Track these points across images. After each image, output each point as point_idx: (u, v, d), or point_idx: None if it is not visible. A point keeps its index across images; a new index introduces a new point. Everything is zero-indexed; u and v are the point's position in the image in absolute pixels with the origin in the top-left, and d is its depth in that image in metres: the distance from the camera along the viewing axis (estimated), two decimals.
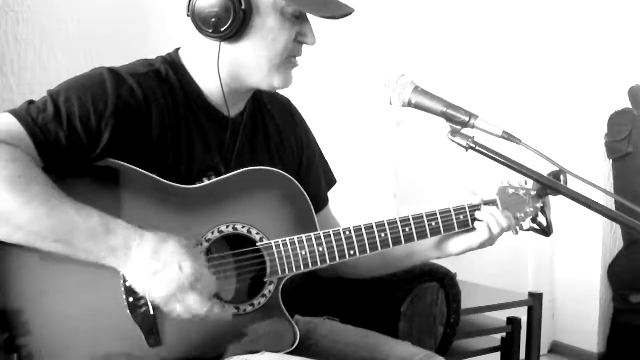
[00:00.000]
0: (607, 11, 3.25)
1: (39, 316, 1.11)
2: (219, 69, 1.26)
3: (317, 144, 1.54)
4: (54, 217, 1.06)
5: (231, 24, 1.20)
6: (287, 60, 1.27)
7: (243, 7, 1.20)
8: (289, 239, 1.26)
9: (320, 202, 1.50)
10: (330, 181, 1.56)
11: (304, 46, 1.29)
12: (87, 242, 1.08)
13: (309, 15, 1.27)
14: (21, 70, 1.99)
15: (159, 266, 1.09)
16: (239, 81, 1.29)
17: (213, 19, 1.20)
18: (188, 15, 1.23)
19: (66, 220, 1.07)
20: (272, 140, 1.42)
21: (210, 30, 1.21)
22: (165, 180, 1.21)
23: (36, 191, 1.06)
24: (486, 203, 1.40)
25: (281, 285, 1.28)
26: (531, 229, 1.43)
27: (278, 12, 1.23)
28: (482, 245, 1.38)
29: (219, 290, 1.24)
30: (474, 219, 1.38)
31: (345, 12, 1.25)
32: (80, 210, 1.08)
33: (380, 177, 2.83)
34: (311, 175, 1.48)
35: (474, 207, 1.38)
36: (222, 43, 1.23)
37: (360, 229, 1.30)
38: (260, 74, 1.26)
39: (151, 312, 1.15)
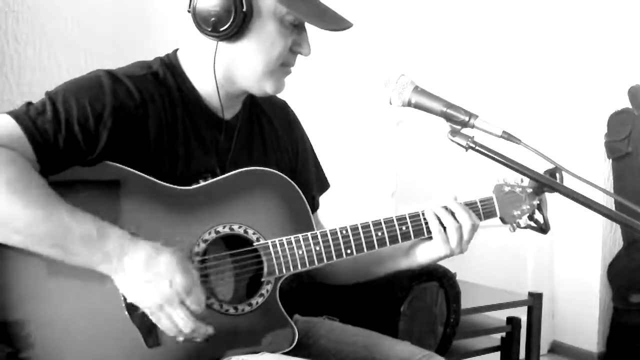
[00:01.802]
0: (607, 11, 3.25)
1: (36, 321, 1.11)
2: (215, 69, 1.26)
3: (312, 148, 1.54)
4: (51, 221, 1.06)
5: (231, 24, 1.20)
6: (281, 67, 1.28)
7: (244, 9, 1.20)
8: (286, 239, 1.26)
9: (310, 208, 1.49)
10: (323, 186, 1.55)
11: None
12: (82, 247, 1.08)
13: (307, 27, 1.27)
14: (21, 70, 1.99)
15: (150, 277, 1.09)
16: (232, 83, 1.29)
17: (213, 18, 1.21)
18: (189, 12, 1.24)
19: (62, 225, 1.07)
20: (269, 142, 1.42)
21: (209, 29, 1.22)
22: (161, 182, 1.21)
23: (34, 195, 1.07)
24: (482, 201, 1.40)
25: (279, 285, 1.28)
26: (528, 226, 1.43)
27: (278, 19, 1.23)
28: (448, 251, 1.34)
29: (216, 291, 1.25)
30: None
31: (344, 26, 1.25)
32: (76, 215, 1.08)
33: (379, 176, 2.83)
34: (303, 179, 1.48)
35: (471, 204, 1.38)
36: (219, 43, 1.24)
37: (357, 227, 1.31)
38: (253, 77, 1.27)
39: None
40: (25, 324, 1.10)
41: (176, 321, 1.12)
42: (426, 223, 1.34)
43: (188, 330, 1.13)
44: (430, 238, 1.34)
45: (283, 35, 1.24)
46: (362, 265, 1.45)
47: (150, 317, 1.13)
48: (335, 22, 1.25)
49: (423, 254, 1.38)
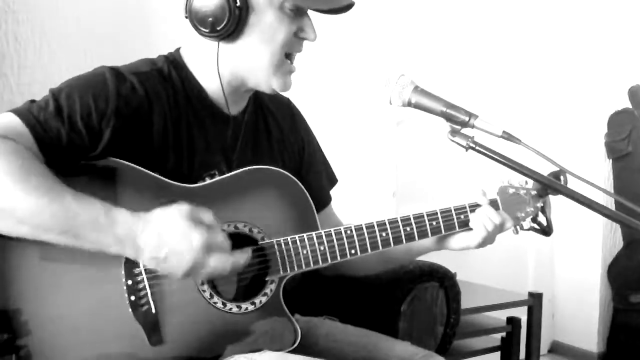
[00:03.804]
0: (607, 11, 3.25)
1: (39, 316, 1.11)
2: (219, 69, 1.26)
3: (318, 143, 1.55)
4: (55, 208, 1.05)
5: (227, 22, 1.20)
6: (285, 63, 1.27)
7: (239, 5, 1.20)
8: (291, 238, 1.26)
9: (323, 201, 1.50)
10: (332, 180, 1.56)
11: (305, 43, 1.30)
12: (92, 232, 1.07)
13: (310, 12, 1.27)
14: (21, 70, 1.99)
15: (167, 251, 1.08)
16: (240, 80, 1.30)
17: (210, 19, 1.21)
18: (186, 17, 1.24)
19: (68, 211, 1.06)
20: (274, 138, 1.43)
21: (207, 30, 1.22)
22: (166, 179, 1.21)
23: (36, 183, 1.06)
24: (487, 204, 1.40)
25: (282, 285, 1.28)
26: (531, 228, 1.43)
27: (276, 8, 1.23)
28: (481, 244, 1.38)
29: (219, 290, 1.25)
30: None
31: (344, 4, 1.25)
32: (82, 200, 1.07)
33: (380, 176, 2.83)
34: (312, 174, 1.49)
35: (475, 207, 1.38)
36: (220, 42, 1.24)
37: (362, 228, 1.31)
38: (260, 72, 1.27)
39: (153, 310, 1.15)
40: (24, 313, 1.09)
41: (214, 269, 1.11)
42: (430, 224, 1.35)
43: (228, 270, 1.12)
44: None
45: (285, 24, 1.24)
46: (391, 255, 1.44)
47: (194, 279, 1.14)
48: (334, 2, 1.24)
49: (459, 242, 1.39)
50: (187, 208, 1.11)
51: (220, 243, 1.12)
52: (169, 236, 1.09)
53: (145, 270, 1.15)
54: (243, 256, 1.15)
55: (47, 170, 1.09)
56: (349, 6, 1.26)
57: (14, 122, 1.11)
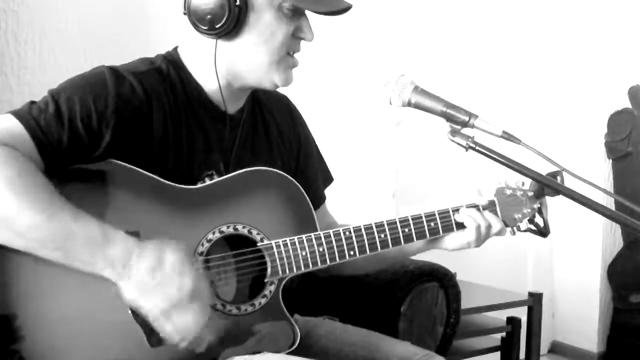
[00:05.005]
0: (607, 11, 3.25)
1: (39, 318, 1.10)
2: (216, 67, 1.26)
3: (314, 141, 1.54)
4: (53, 224, 1.05)
5: (226, 20, 1.21)
6: (286, 57, 1.27)
7: (238, 3, 1.20)
8: (290, 240, 1.26)
9: (317, 200, 1.50)
10: (327, 179, 1.56)
11: (304, 43, 1.30)
12: (84, 252, 1.07)
13: (307, 12, 1.27)
14: (21, 70, 1.99)
15: (157, 282, 1.08)
16: (239, 79, 1.29)
17: (209, 17, 1.21)
18: (185, 14, 1.24)
19: (65, 228, 1.06)
20: (272, 137, 1.43)
21: (206, 28, 1.22)
22: (166, 181, 1.21)
23: (37, 197, 1.06)
24: (485, 205, 1.40)
25: (282, 286, 1.28)
26: (528, 230, 1.43)
27: (275, 8, 1.23)
28: (469, 245, 1.39)
29: (219, 291, 1.25)
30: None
31: (341, 7, 1.25)
32: (80, 218, 1.07)
33: (379, 177, 2.83)
34: (308, 172, 1.49)
35: (472, 208, 1.39)
36: (219, 40, 1.24)
37: (360, 229, 1.31)
38: (260, 70, 1.27)
39: None
40: (25, 316, 1.09)
41: (181, 326, 1.10)
42: (428, 225, 1.35)
43: (192, 336, 1.11)
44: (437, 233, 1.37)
45: (283, 23, 1.24)
46: (384, 254, 1.42)
47: (153, 323, 1.11)
48: (332, 5, 1.25)
49: (452, 242, 1.39)
50: (184, 252, 1.12)
51: (205, 298, 1.12)
52: (161, 272, 1.08)
53: None
54: (206, 336, 1.13)
55: (47, 181, 1.09)
56: (346, 9, 1.26)
57: (14, 125, 1.11)
